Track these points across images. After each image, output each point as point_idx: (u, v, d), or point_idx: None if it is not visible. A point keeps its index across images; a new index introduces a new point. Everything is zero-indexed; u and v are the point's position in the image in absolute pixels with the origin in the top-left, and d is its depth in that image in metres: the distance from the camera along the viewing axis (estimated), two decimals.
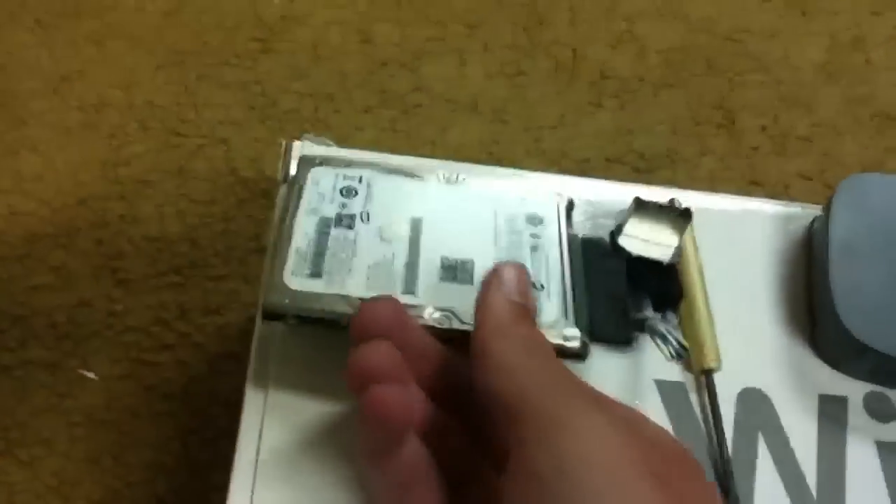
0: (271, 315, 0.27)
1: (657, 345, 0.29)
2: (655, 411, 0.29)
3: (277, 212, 0.30)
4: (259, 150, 0.49)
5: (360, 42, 0.54)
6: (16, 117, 0.51)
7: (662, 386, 0.29)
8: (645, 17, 0.57)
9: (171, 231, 0.47)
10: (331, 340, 0.27)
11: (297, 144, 0.33)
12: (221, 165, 0.49)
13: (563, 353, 0.28)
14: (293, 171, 0.31)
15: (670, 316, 0.29)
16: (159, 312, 0.45)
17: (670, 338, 0.29)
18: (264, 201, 0.48)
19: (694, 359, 0.29)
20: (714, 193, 0.34)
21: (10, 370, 0.43)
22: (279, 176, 0.32)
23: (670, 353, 0.28)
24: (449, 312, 0.28)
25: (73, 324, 0.45)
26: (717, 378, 0.29)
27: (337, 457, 0.27)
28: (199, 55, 0.53)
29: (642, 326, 0.29)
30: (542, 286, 0.29)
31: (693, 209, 0.30)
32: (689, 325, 0.29)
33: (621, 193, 0.32)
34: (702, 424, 0.29)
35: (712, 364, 0.29)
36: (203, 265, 0.46)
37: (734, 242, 0.32)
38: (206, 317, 0.44)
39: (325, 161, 0.31)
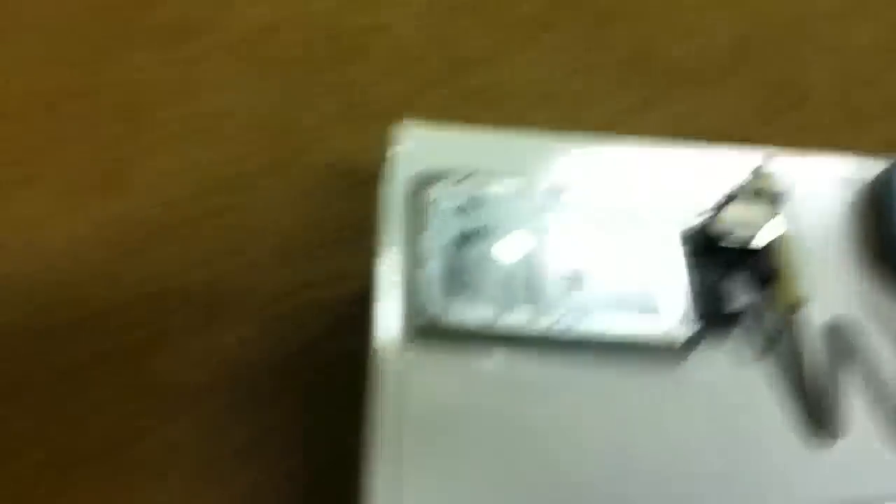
0: (421, 335, 0.31)
1: (753, 334, 0.32)
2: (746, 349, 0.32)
3: (389, 205, 0.33)
4: (361, 141, 0.52)
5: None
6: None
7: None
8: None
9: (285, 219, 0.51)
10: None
11: (401, 126, 0.35)
12: (324, 159, 0.53)
13: (679, 347, 0.31)
14: (398, 155, 0.34)
15: (766, 295, 0.32)
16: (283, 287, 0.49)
17: (763, 326, 0.31)
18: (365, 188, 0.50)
19: (781, 299, 0.32)
20: (795, 154, 0.37)
21: None
22: (387, 155, 0.34)
23: (766, 334, 0.31)
24: (570, 320, 0.31)
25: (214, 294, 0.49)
26: (807, 313, 0.32)
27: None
28: (297, 63, 0.56)
29: (738, 317, 0.32)
30: (661, 288, 0.32)
31: (778, 173, 0.34)
32: (782, 271, 0.33)
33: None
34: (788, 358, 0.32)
35: (799, 301, 0.32)
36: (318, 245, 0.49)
37: (815, 194, 0.36)
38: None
39: (440, 176, 0.34)
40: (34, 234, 0.48)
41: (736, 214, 0.34)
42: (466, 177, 0.35)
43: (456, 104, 0.55)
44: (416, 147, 0.36)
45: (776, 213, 0.33)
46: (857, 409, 0.31)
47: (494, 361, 0.31)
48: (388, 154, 0.35)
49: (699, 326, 0.32)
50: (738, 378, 0.32)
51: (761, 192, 0.34)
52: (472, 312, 0.31)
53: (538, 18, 0.59)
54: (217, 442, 0.44)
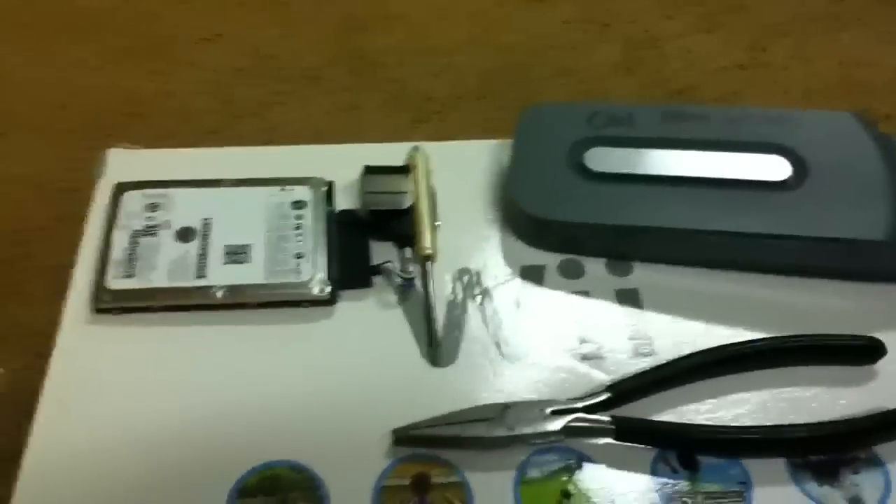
0: (101, 310, 0.37)
1: (388, 281, 0.38)
2: (390, 298, 0.38)
3: (95, 220, 0.40)
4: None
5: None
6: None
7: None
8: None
9: None
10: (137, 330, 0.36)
11: (110, 152, 0.42)
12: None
13: (316, 301, 0.37)
14: (107, 185, 0.40)
15: (407, 252, 0.39)
16: None
17: (399, 273, 0.38)
18: None
19: (416, 251, 0.38)
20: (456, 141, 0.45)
21: None
22: (95, 180, 0.41)
23: (398, 283, 0.38)
24: (232, 287, 0.37)
25: None
26: (437, 265, 0.38)
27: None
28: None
29: (378, 270, 0.38)
30: (301, 255, 0.38)
31: (430, 154, 0.42)
32: (417, 228, 0.39)
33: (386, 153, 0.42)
34: (422, 301, 0.38)
35: (428, 252, 0.38)
36: None
37: (462, 170, 0.43)
38: None
39: (136, 186, 0.41)
40: None
41: (378, 185, 0.41)
42: (155, 184, 0.42)
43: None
44: (120, 165, 0.43)
45: (414, 183, 0.40)
46: (473, 336, 0.37)
47: (166, 329, 0.37)
48: (97, 171, 0.42)
49: (341, 282, 0.38)
50: (380, 321, 0.38)
51: (405, 168, 0.41)
52: (143, 284, 0.37)
53: (308, 73, 0.67)
54: None
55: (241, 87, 0.66)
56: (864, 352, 0.35)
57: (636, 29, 0.73)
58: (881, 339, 0.35)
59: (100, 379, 0.34)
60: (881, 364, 0.36)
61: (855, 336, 0.35)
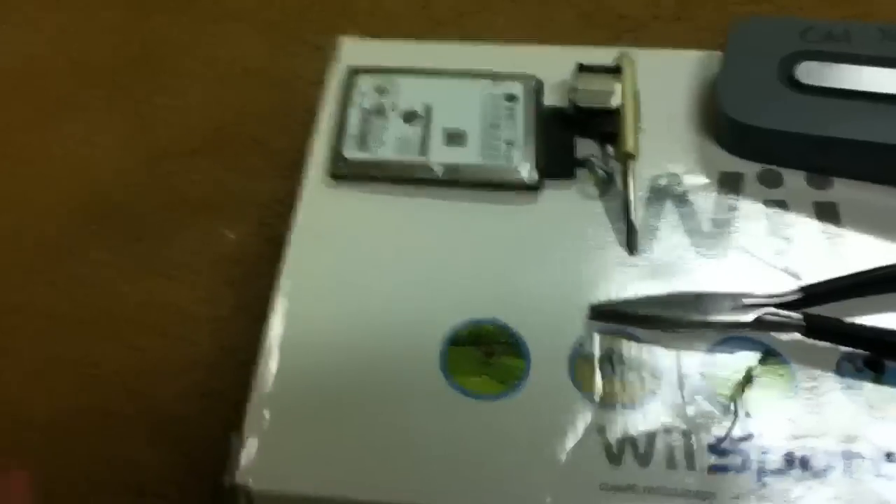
0: (337, 176, 0.42)
1: (592, 173, 0.41)
2: (591, 191, 0.41)
3: (333, 99, 0.44)
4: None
5: None
6: None
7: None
8: None
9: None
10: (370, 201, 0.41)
11: (343, 39, 0.47)
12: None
13: (523, 185, 0.41)
14: (340, 69, 0.45)
15: (609, 149, 0.41)
16: None
17: (601, 167, 0.41)
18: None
19: (619, 150, 0.41)
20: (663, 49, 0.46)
21: None
22: (334, 67, 0.46)
23: (600, 176, 0.41)
24: (450, 166, 0.41)
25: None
26: (638, 166, 0.41)
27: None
28: None
29: (582, 163, 0.41)
30: (512, 143, 0.42)
31: (637, 61, 0.44)
32: (622, 128, 0.41)
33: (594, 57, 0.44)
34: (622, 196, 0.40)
35: (630, 150, 0.40)
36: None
37: (668, 79, 0.45)
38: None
39: (365, 70, 0.45)
40: None
41: (588, 83, 0.43)
42: (384, 71, 0.46)
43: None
44: (351, 52, 0.47)
45: (622, 84, 0.43)
46: (670, 232, 0.40)
47: (393, 198, 0.42)
48: (331, 56, 0.47)
49: (547, 171, 0.41)
50: (581, 210, 0.41)
51: (616, 69, 0.44)
52: (374, 156, 0.42)
53: None
54: None
55: None
56: None
57: None
58: None
59: (335, 237, 0.39)
60: None
61: None
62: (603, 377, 0.35)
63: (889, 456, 0.32)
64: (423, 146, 0.42)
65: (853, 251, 0.38)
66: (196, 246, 0.52)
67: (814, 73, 0.41)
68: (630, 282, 0.37)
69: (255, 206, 0.56)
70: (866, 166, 0.40)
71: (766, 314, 0.35)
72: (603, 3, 0.67)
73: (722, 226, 0.39)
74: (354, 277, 0.38)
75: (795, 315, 0.35)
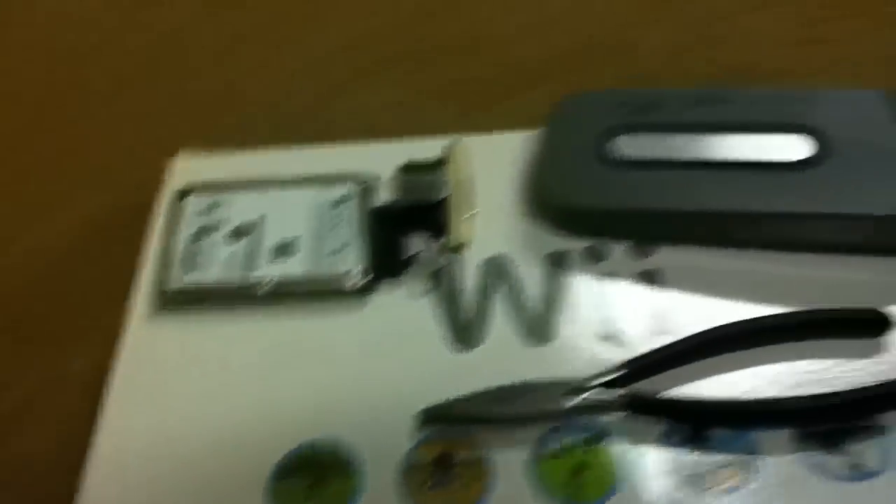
0: (164, 307, 0.41)
1: (422, 271, 0.41)
2: (421, 288, 0.41)
3: (162, 223, 0.44)
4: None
5: None
6: None
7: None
8: None
9: None
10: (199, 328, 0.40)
11: (175, 159, 0.47)
12: None
13: (351, 292, 0.41)
14: (170, 190, 0.45)
15: (440, 242, 0.42)
16: None
17: (431, 262, 0.41)
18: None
19: (448, 242, 0.41)
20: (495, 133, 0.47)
21: None
22: (165, 189, 0.46)
23: (430, 272, 0.41)
24: (278, 281, 0.41)
25: None
26: (469, 254, 0.42)
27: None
28: None
29: (411, 261, 0.42)
30: (341, 249, 0.42)
31: (471, 146, 0.45)
32: (450, 220, 0.42)
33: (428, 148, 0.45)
34: (451, 289, 0.41)
35: (458, 242, 0.41)
36: None
37: (501, 162, 0.46)
38: None
39: (194, 190, 0.45)
40: None
41: (413, 179, 0.44)
42: (212, 188, 0.46)
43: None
44: (183, 171, 0.47)
45: (449, 175, 0.43)
46: (499, 321, 0.40)
47: (222, 321, 0.41)
48: (164, 176, 0.47)
49: (375, 274, 0.41)
50: (412, 309, 0.41)
51: (440, 162, 0.44)
52: (201, 280, 0.42)
53: (365, 68, 0.69)
54: None
55: (302, 83, 0.69)
56: (872, 325, 0.36)
57: (692, 8, 0.73)
58: (892, 311, 0.36)
59: (161, 368, 0.39)
60: (889, 337, 0.36)
61: (863, 309, 0.36)
62: (436, 485, 0.34)
63: None
64: (251, 263, 0.42)
65: (678, 317, 0.38)
66: (39, 384, 0.50)
67: (629, 145, 0.42)
68: (462, 379, 0.37)
69: (100, 334, 0.54)
70: (685, 232, 0.41)
71: (592, 396, 0.35)
72: (465, 78, 0.68)
73: (550, 308, 0.40)
74: (180, 411, 0.37)
75: (620, 394, 0.35)
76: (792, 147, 0.40)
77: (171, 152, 0.49)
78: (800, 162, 0.40)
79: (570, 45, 0.73)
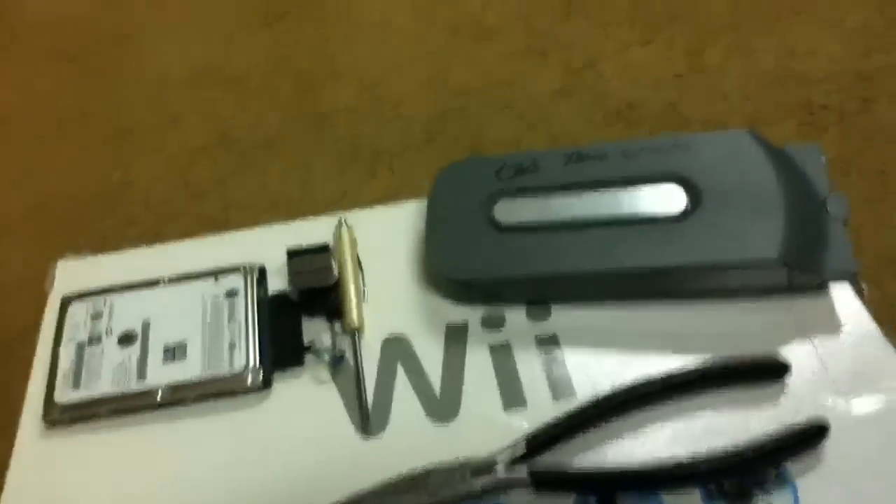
0: (52, 423, 0.40)
1: (320, 357, 0.40)
2: (322, 374, 0.40)
3: (47, 334, 0.42)
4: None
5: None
6: None
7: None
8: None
9: None
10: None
11: (60, 264, 0.45)
12: None
13: (250, 389, 0.39)
14: (54, 299, 0.43)
15: (337, 326, 0.41)
16: None
17: (327, 349, 0.40)
18: None
19: (344, 325, 0.41)
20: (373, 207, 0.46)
21: None
22: (47, 289, 0.44)
23: (329, 358, 0.40)
24: (171, 386, 0.40)
25: None
26: (367, 335, 0.41)
27: None
28: None
29: (309, 348, 0.41)
30: (234, 345, 0.41)
31: (355, 220, 0.44)
32: (344, 303, 0.41)
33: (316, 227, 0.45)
34: (352, 374, 0.40)
35: (354, 326, 0.41)
36: None
37: (389, 235, 0.45)
38: None
39: (80, 297, 0.43)
40: None
41: (303, 265, 0.43)
42: (97, 293, 0.44)
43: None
44: (67, 276, 0.46)
45: (339, 257, 0.42)
46: (403, 402, 0.39)
47: (114, 433, 0.40)
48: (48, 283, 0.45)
49: (274, 365, 0.40)
50: (313, 397, 0.40)
51: (326, 246, 0.43)
52: (89, 394, 0.40)
53: (263, 142, 0.69)
54: None
55: (200, 167, 0.69)
56: (770, 370, 0.37)
57: (575, 52, 0.74)
58: (790, 350, 0.37)
59: (53, 490, 0.37)
60: (788, 379, 0.37)
61: (761, 357, 0.37)
62: None
63: None
64: (141, 370, 0.40)
65: (576, 377, 0.39)
66: None
67: (510, 211, 0.43)
68: (369, 464, 0.36)
69: None
70: (574, 291, 0.41)
71: (493, 478, 0.35)
72: (359, 141, 0.68)
73: (452, 384, 0.40)
74: None
75: (521, 473, 0.35)
76: (666, 199, 0.41)
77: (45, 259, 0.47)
78: (674, 216, 0.40)
79: (459, 101, 0.74)
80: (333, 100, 0.74)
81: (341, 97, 0.73)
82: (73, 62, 0.75)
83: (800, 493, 0.34)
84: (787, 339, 0.38)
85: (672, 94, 0.72)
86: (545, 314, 0.41)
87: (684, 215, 0.40)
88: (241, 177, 0.70)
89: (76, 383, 0.40)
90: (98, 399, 0.39)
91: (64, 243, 0.61)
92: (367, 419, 0.38)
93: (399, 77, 0.74)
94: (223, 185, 0.70)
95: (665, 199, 0.41)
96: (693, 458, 0.34)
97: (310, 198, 0.66)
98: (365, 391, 0.39)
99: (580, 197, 0.42)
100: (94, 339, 0.42)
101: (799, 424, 0.34)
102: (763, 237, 0.38)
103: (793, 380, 0.37)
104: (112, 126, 0.71)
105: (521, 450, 0.35)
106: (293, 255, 0.43)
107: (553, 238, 0.41)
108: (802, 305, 0.39)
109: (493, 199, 0.43)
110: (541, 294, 0.41)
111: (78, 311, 0.43)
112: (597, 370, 0.39)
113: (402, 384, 0.40)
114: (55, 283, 0.45)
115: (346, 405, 0.39)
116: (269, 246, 0.44)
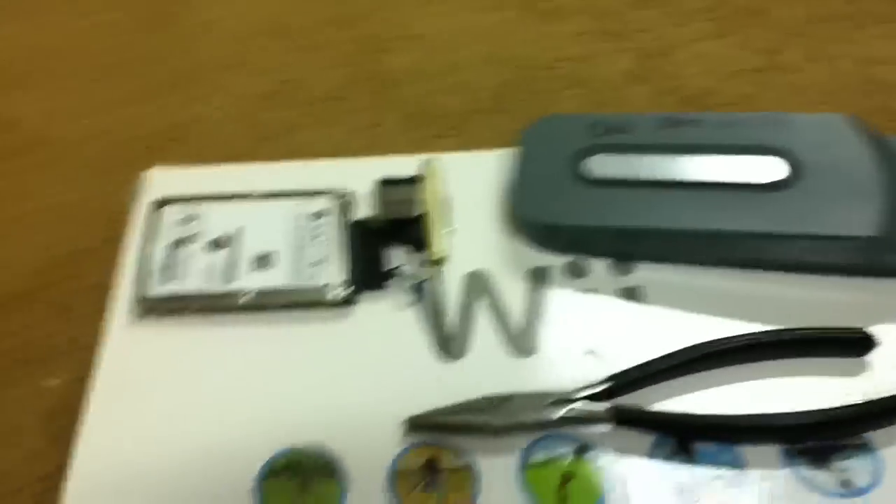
0: (143, 315, 0.41)
1: (403, 284, 0.41)
2: (405, 300, 0.41)
3: (139, 234, 0.43)
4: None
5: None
6: None
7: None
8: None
9: None
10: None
11: (149, 172, 0.46)
12: None
13: (333, 303, 0.40)
14: (146, 202, 0.44)
15: (419, 256, 0.42)
16: None
17: (411, 275, 0.41)
18: None
19: (428, 256, 0.41)
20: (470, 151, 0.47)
21: None
22: (134, 200, 0.45)
23: (411, 285, 0.41)
24: (259, 291, 0.41)
25: None
26: (449, 269, 0.42)
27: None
28: None
29: (392, 274, 0.41)
30: (321, 261, 0.42)
31: (447, 164, 0.45)
32: (430, 235, 0.42)
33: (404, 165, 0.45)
34: (434, 301, 0.41)
35: (438, 256, 0.41)
36: None
37: (476, 180, 0.46)
38: None
39: (173, 201, 0.45)
40: None
41: (391, 195, 0.44)
42: (190, 199, 0.45)
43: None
44: (159, 184, 0.47)
45: (426, 192, 0.43)
46: (483, 333, 0.40)
47: (201, 330, 0.40)
48: (138, 190, 0.46)
49: (357, 285, 0.41)
50: (394, 321, 0.41)
51: (417, 178, 0.44)
52: (179, 289, 0.41)
53: (330, 95, 0.70)
54: None
55: (266, 113, 0.70)
56: (856, 344, 0.37)
57: (648, 38, 0.75)
58: (874, 331, 0.37)
59: (140, 377, 0.38)
60: (872, 356, 0.37)
61: (847, 329, 0.37)
62: (422, 491, 0.34)
63: None
64: (231, 273, 0.41)
65: (658, 332, 0.39)
66: (16, 404, 0.49)
67: (602, 165, 0.43)
68: (446, 389, 0.37)
69: (78, 352, 0.53)
70: (661, 250, 0.42)
71: (578, 408, 0.35)
72: (425, 104, 0.68)
73: (532, 322, 0.40)
74: (164, 415, 0.37)
75: (603, 406, 0.35)
76: (764, 169, 0.42)
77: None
78: (772, 183, 0.41)
79: (528, 74, 0.75)
80: (400, 62, 0.74)
81: (408, 60, 0.74)
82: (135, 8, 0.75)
83: (881, 464, 0.34)
84: (875, 319, 0.38)
85: (748, 87, 0.72)
86: (630, 269, 0.42)
87: (781, 187, 0.41)
88: (308, 128, 0.70)
89: (167, 279, 0.41)
90: (187, 294, 0.40)
91: (123, 177, 0.62)
92: (447, 343, 0.39)
93: (468, 46, 0.75)
94: (290, 133, 0.71)
95: (762, 169, 0.42)
96: (777, 414, 0.35)
97: (377, 151, 0.67)
98: (446, 319, 0.40)
99: (674, 159, 0.43)
100: (186, 241, 0.43)
101: (887, 396, 0.35)
102: (861, 214, 0.39)
103: (878, 357, 0.37)
104: (175, 68, 0.72)
105: (603, 387, 0.36)
106: (384, 183, 0.44)
107: (644, 194, 0.42)
108: (893, 288, 0.39)
109: (583, 154, 0.44)
110: (626, 249, 0.42)
111: (170, 214, 0.44)
112: (679, 326, 0.39)
113: (481, 317, 0.40)
114: (146, 190, 0.46)
115: (426, 330, 0.40)
116: (356, 177, 0.45)
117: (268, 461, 0.35)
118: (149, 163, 0.52)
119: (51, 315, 0.54)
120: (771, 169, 0.41)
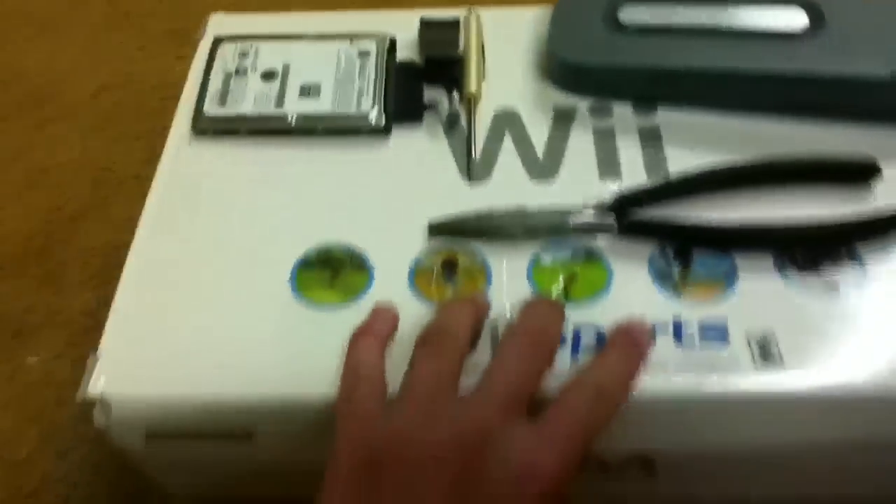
0: (198, 130, 0.45)
1: (437, 117, 0.45)
2: (438, 132, 0.44)
3: (198, 67, 0.48)
4: None
5: None
6: None
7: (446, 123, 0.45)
8: None
9: None
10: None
11: (211, 16, 0.50)
12: None
13: (372, 129, 0.44)
14: (206, 42, 0.48)
15: (455, 95, 0.45)
16: None
17: (445, 109, 0.44)
18: None
19: (463, 93, 0.44)
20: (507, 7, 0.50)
21: None
22: (198, 37, 0.49)
23: (445, 118, 0.44)
24: (304, 115, 0.45)
25: None
26: (480, 107, 0.45)
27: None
28: None
29: (429, 107, 0.45)
30: (363, 92, 0.45)
31: (483, 19, 0.47)
32: (465, 75, 0.45)
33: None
34: (465, 132, 0.44)
35: (472, 92, 0.44)
36: None
37: (511, 32, 0.49)
38: None
39: (228, 38, 0.49)
40: None
41: (433, 35, 0.47)
42: (245, 38, 0.49)
43: None
44: (217, 26, 0.51)
45: (466, 36, 0.46)
46: (507, 161, 0.44)
47: (251, 148, 0.45)
48: (200, 32, 0.50)
49: (395, 116, 0.45)
50: (427, 148, 0.44)
51: (458, 22, 0.47)
52: (233, 110, 0.45)
53: None
54: None
55: None
56: (859, 171, 0.39)
57: None
58: (887, 164, 0.39)
59: (194, 193, 0.42)
60: (878, 184, 0.39)
61: (851, 155, 0.39)
62: (440, 285, 0.38)
63: (702, 327, 0.36)
64: (280, 100, 0.45)
65: (673, 165, 0.41)
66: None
67: (635, 14, 0.45)
68: (467, 203, 0.40)
69: (63, 325, 0.54)
70: (686, 92, 0.44)
71: (587, 218, 0.38)
72: None
73: (554, 154, 0.43)
74: (215, 215, 0.41)
75: (610, 218, 0.38)
76: (788, 18, 0.43)
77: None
78: (797, 32, 0.43)
79: None
80: None
81: None
82: None
83: (867, 275, 0.37)
84: (889, 158, 0.40)
85: None
86: (652, 110, 0.44)
87: (807, 33, 0.42)
88: None
89: (222, 102, 0.45)
90: (240, 116, 0.44)
91: (122, 131, 0.65)
92: (473, 167, 0.42)
93: None
94: None
95: (787, 18, 0.43)
96: (771, 224, 0.37)
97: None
98: (474, 145, 0.43)
99: (704, 9, 0.45)
100: (240, 72, 0.47)
101: (879, 213, 0.37)
102: (886, 58, 0.40)
103: (882, 185, 0.39)
104: (176, 24, 0.73)
105: (612, 202, 0.39)
106: (426, 24, 0.47)
107: (673, 39, 0.44)
108: None
109: (617, 4, 0.46)
110: (652, 90, 0.44)
111: (228, 49, 0.48)
112: (694, 163, 0.42)
113: (507, 147, 0.44)
114: (206, 31, 0.49)
115: (456, 158, 0.43)
116: (401, 26, 0.49)
117: (304, 254, 0.39)
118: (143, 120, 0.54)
119: (41, 285, 0.55)
120: (795, 18, 0.43)
